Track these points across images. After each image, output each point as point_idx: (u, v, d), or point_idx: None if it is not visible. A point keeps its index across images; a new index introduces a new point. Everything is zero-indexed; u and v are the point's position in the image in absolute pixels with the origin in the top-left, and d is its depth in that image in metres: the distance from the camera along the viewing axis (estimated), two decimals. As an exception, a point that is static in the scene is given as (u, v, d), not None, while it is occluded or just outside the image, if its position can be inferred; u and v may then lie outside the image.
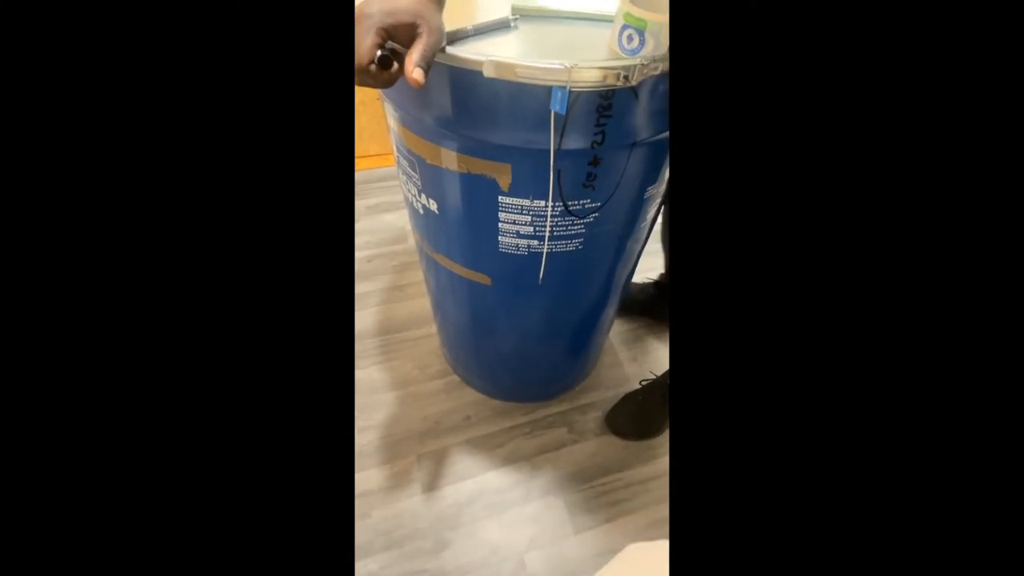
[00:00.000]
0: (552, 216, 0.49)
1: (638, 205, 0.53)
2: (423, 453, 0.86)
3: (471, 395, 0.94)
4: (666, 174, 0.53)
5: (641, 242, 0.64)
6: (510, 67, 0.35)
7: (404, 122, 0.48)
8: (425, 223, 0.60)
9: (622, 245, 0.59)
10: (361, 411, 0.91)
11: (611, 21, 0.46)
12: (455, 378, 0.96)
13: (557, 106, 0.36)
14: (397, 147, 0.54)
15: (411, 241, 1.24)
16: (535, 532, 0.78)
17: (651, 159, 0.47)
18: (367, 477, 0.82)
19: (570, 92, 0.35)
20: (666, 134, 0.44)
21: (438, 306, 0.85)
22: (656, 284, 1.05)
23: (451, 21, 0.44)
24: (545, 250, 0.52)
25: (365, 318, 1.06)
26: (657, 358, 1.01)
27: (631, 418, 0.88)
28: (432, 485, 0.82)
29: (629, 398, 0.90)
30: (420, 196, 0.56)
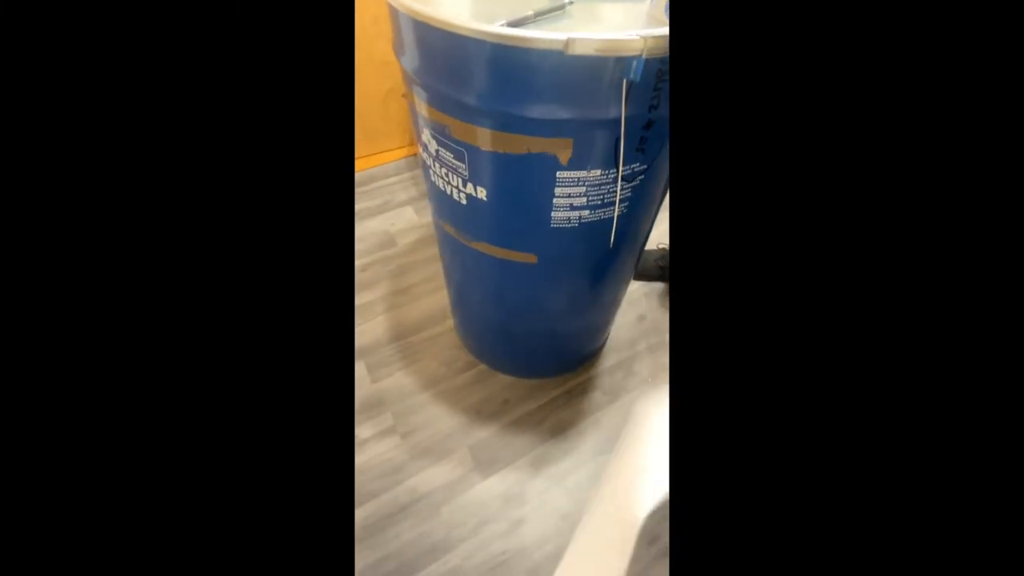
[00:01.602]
0: (605, 184, 0.52)
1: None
2: (472, 444, 0.87)
3: (502, 379, 0.96)
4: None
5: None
6: (589, 42, 0.37)
7: (451, 111, 0.49)
8: (467, 213, 0.61)
9: (655, 206, 0.63)
10: (400, 417, 0.90)
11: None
12: (483, 367, 0.98)
13: (632, 75, 0.39)
14: (437, 140, 0.54)
15: (401, 244, 1.22)
16: (597, 491, 0.82)
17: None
18: (426, 478, 0.82)
19: (645, 60, 0.38)
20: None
21: (462, 298, 0.86)
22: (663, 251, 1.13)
23: (497, 10, 0.45)
24: (616, 214, 0.55)
25: (375, 327, 1.04)
26: (660, 316, 1.09)
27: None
28: (490, 471, 0.84)
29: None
30: (465, 186, 0.56)
